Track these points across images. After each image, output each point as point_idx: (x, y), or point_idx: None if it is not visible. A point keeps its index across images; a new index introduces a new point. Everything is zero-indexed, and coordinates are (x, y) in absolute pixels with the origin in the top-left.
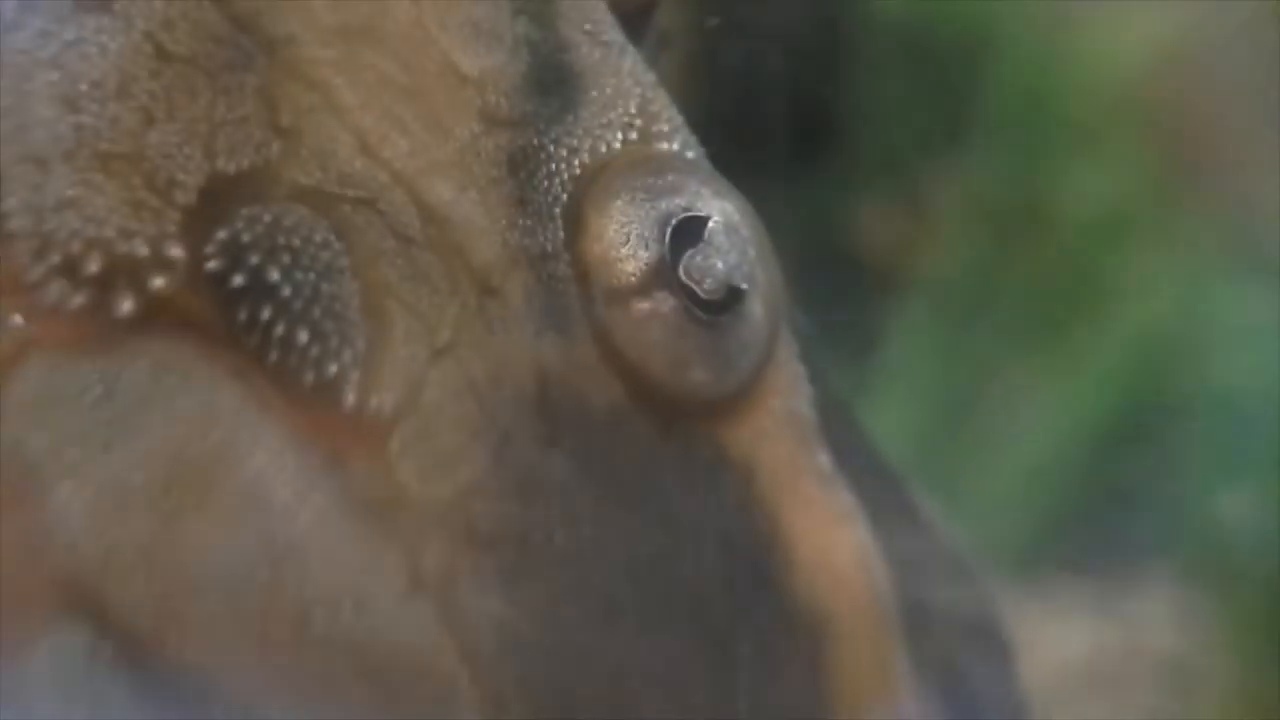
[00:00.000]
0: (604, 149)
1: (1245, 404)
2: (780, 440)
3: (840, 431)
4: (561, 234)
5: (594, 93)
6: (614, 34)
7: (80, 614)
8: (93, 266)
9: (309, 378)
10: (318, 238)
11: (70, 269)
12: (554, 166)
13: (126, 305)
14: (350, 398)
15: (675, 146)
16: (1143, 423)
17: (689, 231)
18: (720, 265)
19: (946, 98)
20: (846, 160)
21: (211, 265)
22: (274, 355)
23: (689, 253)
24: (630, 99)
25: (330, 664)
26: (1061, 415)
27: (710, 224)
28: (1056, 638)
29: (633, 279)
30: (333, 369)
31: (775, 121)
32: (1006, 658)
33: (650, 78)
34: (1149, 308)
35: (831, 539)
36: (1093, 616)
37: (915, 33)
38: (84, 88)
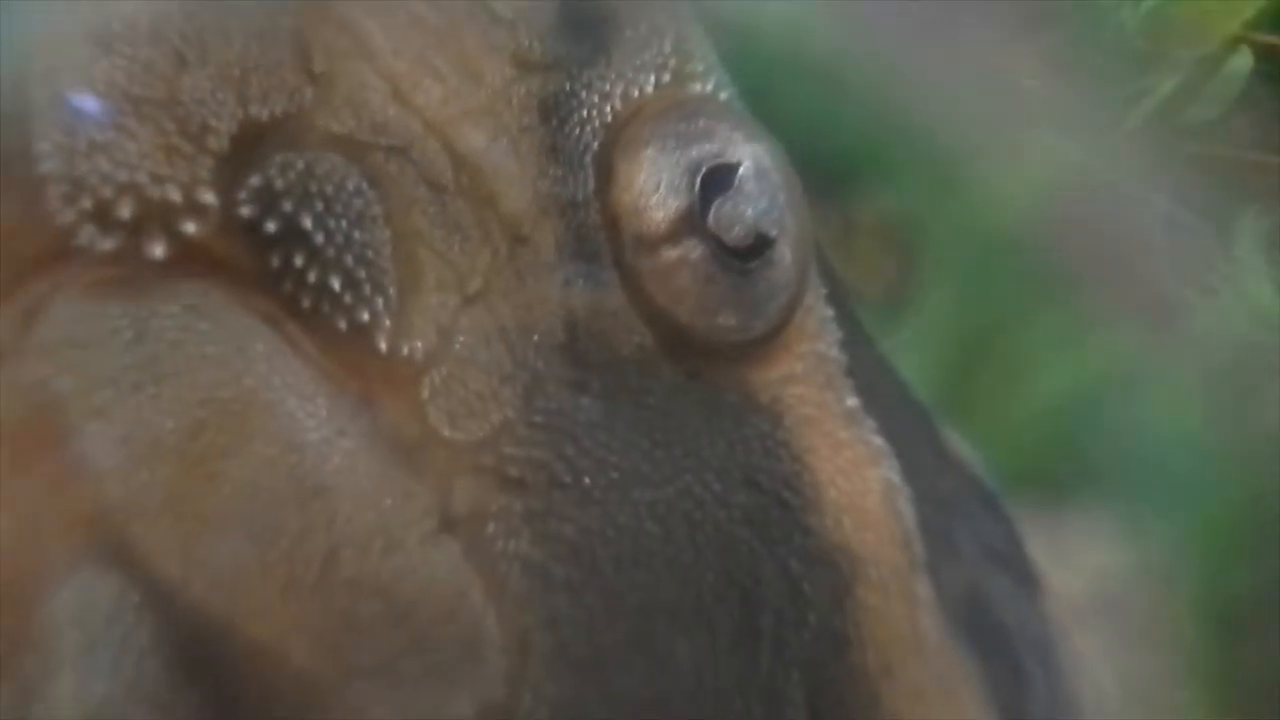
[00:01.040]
0: (636, 93)
1: None
2: (808, 384)
3: (868, 371)
4: (592, 182)
5: (628, 32)
6: None
7: (106, 555)
8: (124, 211)
9: (341, 323)
10: (350, 185)
11: (102, 213)
12: (586, 113)
13: (158, 250)
14: (382, 343)
15: (708, 88)
16: None
17: (719, 178)
18: (750, 212)
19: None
20: None
21: (244, 211)
22: (306, 301)
23: (719, 200)
24: (665, 37)
25: (357, 606)
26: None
27: (740, 170)
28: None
29: (662, 227)
30: (365, 315)
31: None
32: (1031, 588)
33: (685, 12)
34: None
35: (859, 480)
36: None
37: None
38: (116, 30)
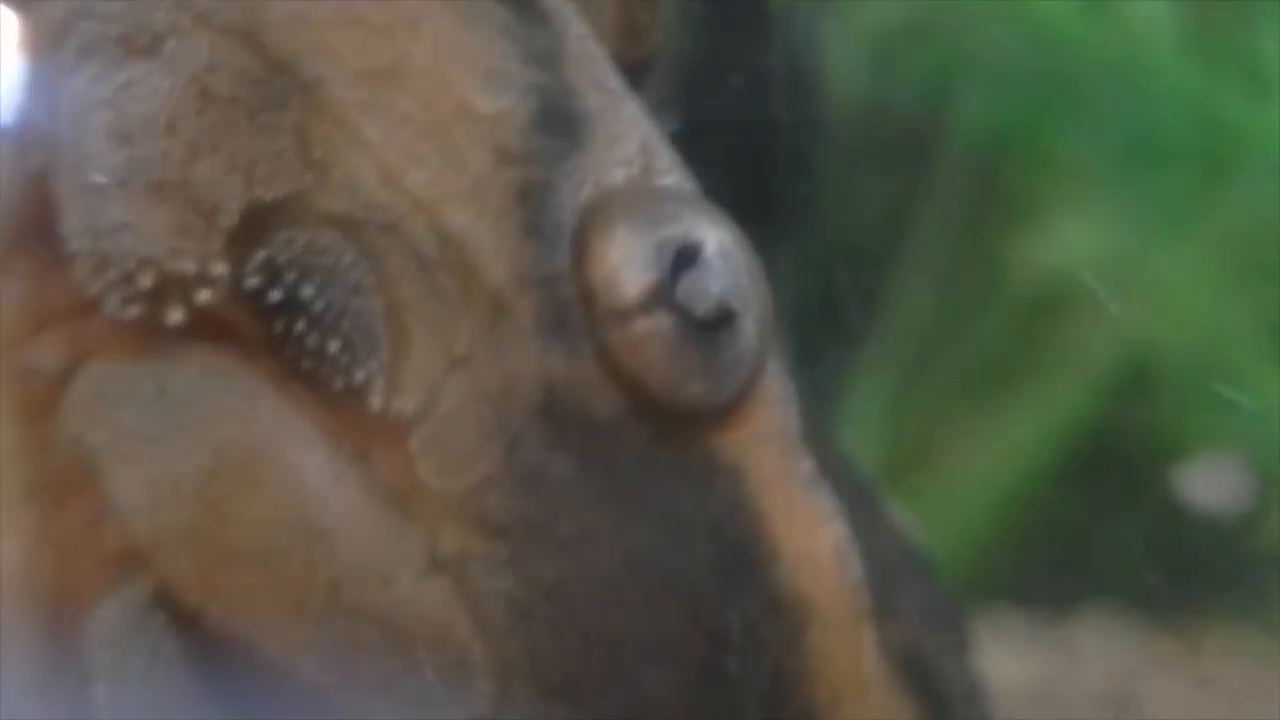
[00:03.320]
0: (608, 182)
1: None
2: (767, 447)
3: (820, 439)
4: (568, 259)
5: (599, 133)
6: (615, 82)
7: (135, 585)
8: (146, 282)
9: (338, 383)
10: (346, 259)
11: (125, 284)
12: (562, 198)
13: (175, 316)
14: (375, 401)
15: (673, 181)
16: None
17: (686, 257)
18: (714, 287)
19: (900, 173)
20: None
21: (251, 282)
22: (307, 363)
23: (686, 276)
24: (632, 140)
25: (358, 633)
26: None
27: (706, 249)
28: (999, 662)
29: (633, 300)
30: (359, 375)
31: (746, 198)
32: (964, 645)
33: (649, 121)
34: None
35: (813, 536)
36: (1033, 644)
37: (874, 114)
38: (136, 124)
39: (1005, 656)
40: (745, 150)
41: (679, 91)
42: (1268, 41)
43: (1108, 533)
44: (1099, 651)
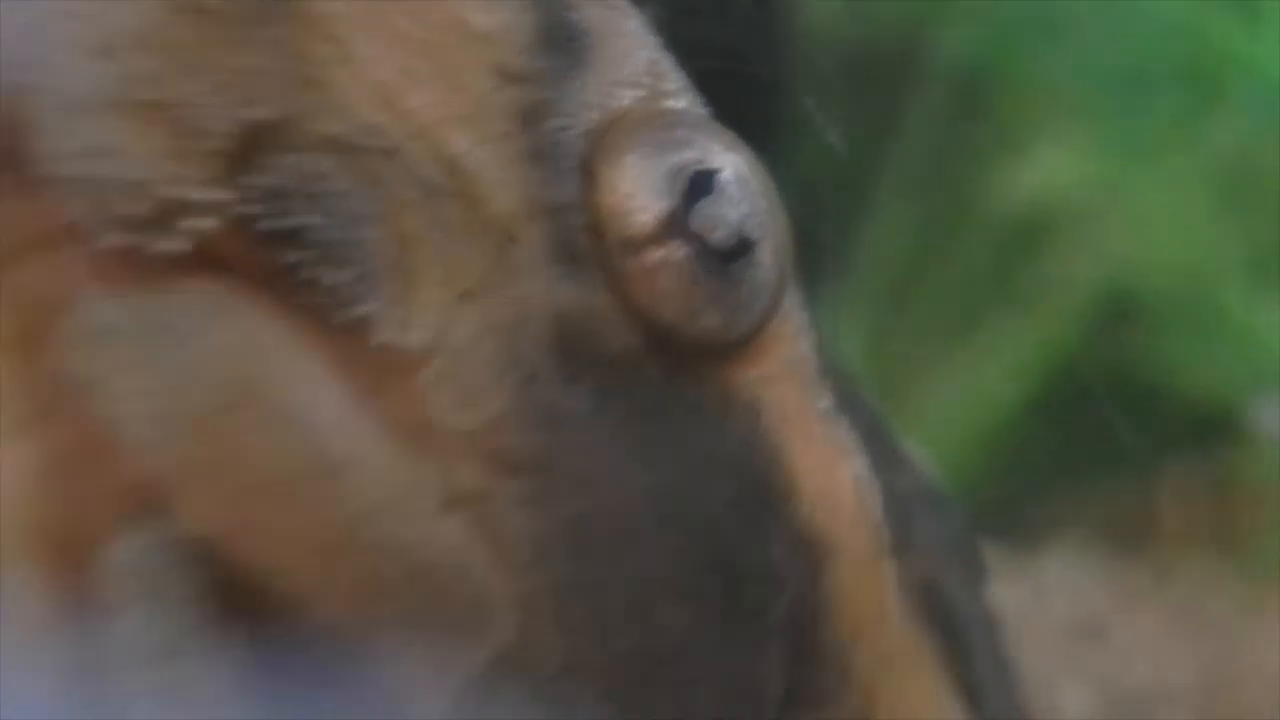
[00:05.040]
0: (615, 104)
1: None
2: (785, 382)
3: (837, 375)
4: (577, 186)
5: (603, 51)
6: None
7: (152, 518)
8: (139, 208)
9: (344, 316)
10: (346, 186)
11: (117, 210)
12: (567, 121)
13: (172, 245)
14: (382, 335)
15: (684, 103)
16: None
17: (701, 184)
18: (732, 215)
19: (880, 101)
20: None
21: (247, 209)
22: (310, 295)
23: (700, 204)
24: (638, 58)
25: (377, 568)
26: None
27: (721, 175)
28: None
29: (645, 230)
30: (365, 309)
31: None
32: (980, 577)
33: (655, 39)
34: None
35: (831, 471)
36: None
37: (854, 42)
38: (115, 38)
39: None
40: (721, 79)
41: (654, 20)
42: None
43: (1082, 465)
44: (1068, 583)
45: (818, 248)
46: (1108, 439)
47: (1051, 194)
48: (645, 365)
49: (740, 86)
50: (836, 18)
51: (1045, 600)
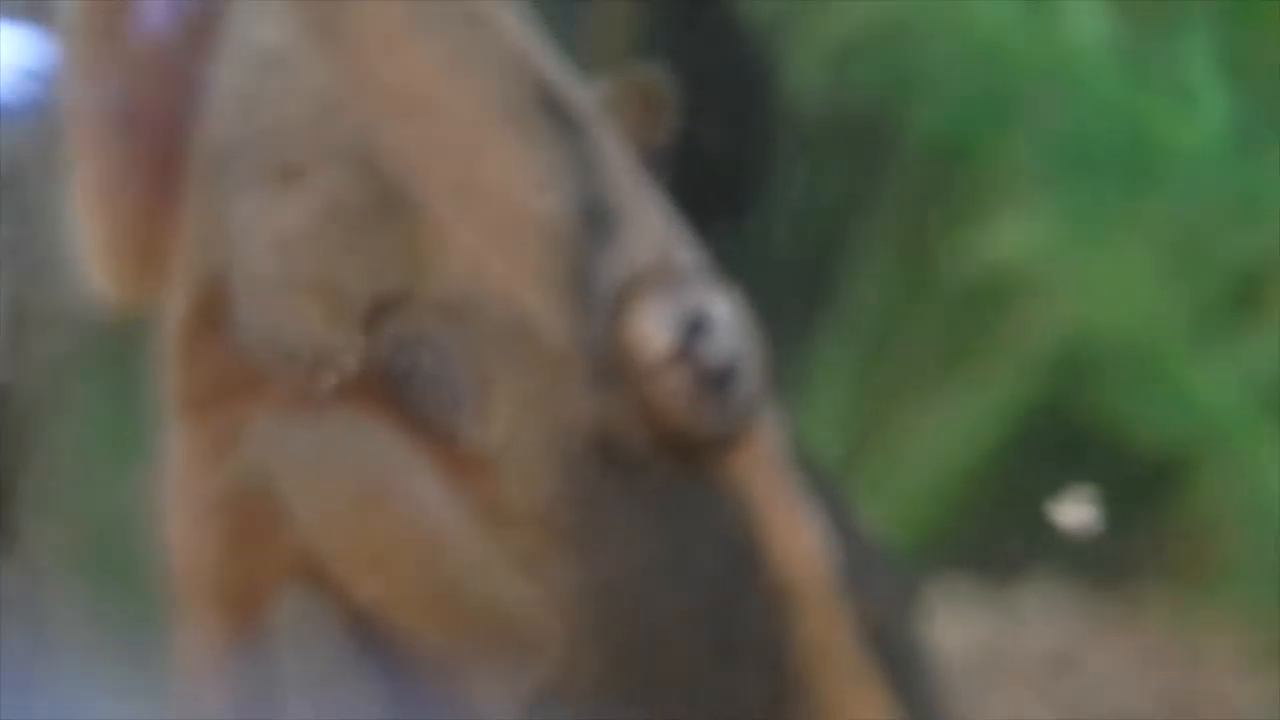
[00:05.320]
0: (635, 264)
1: None
2: (762, 469)
3: (801, 457)
4: (608, 326)
5: (626, 224)
6: (638, 175)
7: (309, 577)
8: (306, 357)
9: (441, 427)
10: (445, 334)
11: (291, 360)
12: (601, 279)
13: (328, 381)
14: (469, 440)
15: (687, 258)
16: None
17: (700, 324)
18: (723, 348)
19: (856, 174)
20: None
21: (376, 354)
22: (420, 414)
23: (700, 339)
24: (653, 228)
25: (468, 612)
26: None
27: (715, 317)
28: (950, 625)
29: (659, 359)
30: (456, 421)
31: (704, 187)
32: (916, 621)
33: (666, 206)
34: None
35: (798, 536)
36: (981, 608)
37: (832, 119)
38: (290, 237)
39: (955, 619)
40: (709, 151)
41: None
42: (1190, 59)
43: (1050, 506)
44: (1043, 615)
45: (803, 306)
46: (1071, 482)
47: (1011, 260)
48: (659, 459)
49: (728, 153)
50: (818, 97)
51: (1022, 631)
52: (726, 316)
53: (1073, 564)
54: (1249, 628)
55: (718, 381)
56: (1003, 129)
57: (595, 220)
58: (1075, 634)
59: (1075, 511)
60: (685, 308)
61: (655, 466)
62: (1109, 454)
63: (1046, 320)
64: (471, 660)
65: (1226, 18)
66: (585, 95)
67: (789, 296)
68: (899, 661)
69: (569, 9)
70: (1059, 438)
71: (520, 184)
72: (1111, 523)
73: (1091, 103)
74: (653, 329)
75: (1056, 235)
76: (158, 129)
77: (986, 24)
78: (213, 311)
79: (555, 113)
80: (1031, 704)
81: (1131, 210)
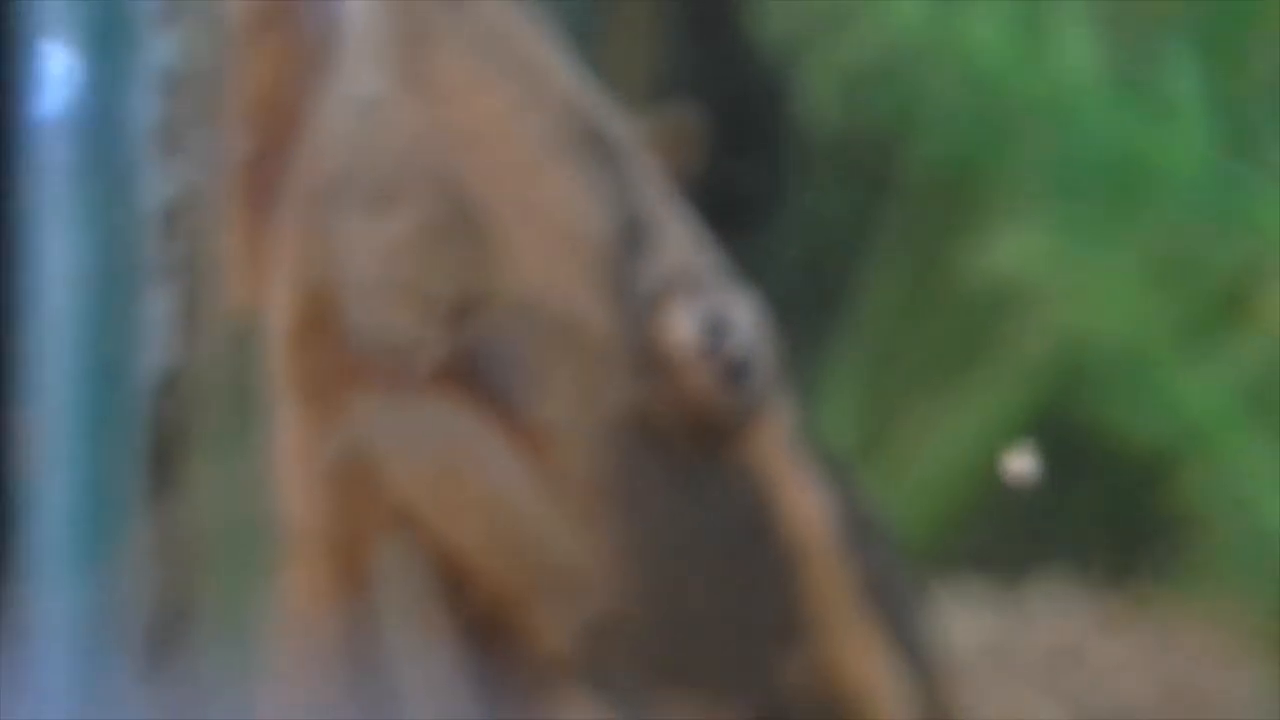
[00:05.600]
0: (667, 269)
1: None
2: (776, 445)
3: (810, 436)
4: (646, 325)
5: (659, 236)
6: (668, 193)
7: (406, 530)
8: (405, 349)
9: (514, 407)
10: (514, 332)
11: (392, 350)
12: (638, 284)
13: (419, 369)
14: (534, 417)
15: (710, 264)
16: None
17: (723, 324)
18: (744, 345)
19: (868, 192)
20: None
21: (463, 346)
22: (495, 395)
23: (724, 338)
24: (683, 238)
25: (534, 556)
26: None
27: (735, 317)
28: (960, 622)
29: (690, 355)
30: (524, 401)
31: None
32: (916, 595)
33: (692, 219)
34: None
35: (805, 501)
36: (990, 606)
37: (845, 142)
38: (389, 252)
39: (965, 617)
40: (730, 171)
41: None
42: (1176, 84)
43: (1056, 504)
44: (1050, 613)
45: (818, 314)
46: (1072, 484)
47: (1012, 272)
48: (689, 438)
49: (748, 173)
50: (825, 117)
51: (1030, 628)
52: (746, 317)
53: (1076, 562)
54: (1237, 622)
55: (738, 373)
56: (1002, 151)
57: (634, 234)
58: (1080, 630)
59: (1019, 462)
60: (710, 310)
61: (685, 443)
62: (1108, 454)
63: (1043, 328)
64: (534, 601)
65: (1210, 46)
66: (623, 125)
67: (802, 306)
68: (893, 607)
69: (587, 39)
70: (1059, 439)
71: (572, 205)
72: (1111, 522)
73: (1084, 126)
74: (683, 328)
75: (1053, 249)
76: (270, 168)
77: (986, 54)
78: (319, 314)
79: (599, 143)
80: (1038, 698)
81: (1122, 226)
